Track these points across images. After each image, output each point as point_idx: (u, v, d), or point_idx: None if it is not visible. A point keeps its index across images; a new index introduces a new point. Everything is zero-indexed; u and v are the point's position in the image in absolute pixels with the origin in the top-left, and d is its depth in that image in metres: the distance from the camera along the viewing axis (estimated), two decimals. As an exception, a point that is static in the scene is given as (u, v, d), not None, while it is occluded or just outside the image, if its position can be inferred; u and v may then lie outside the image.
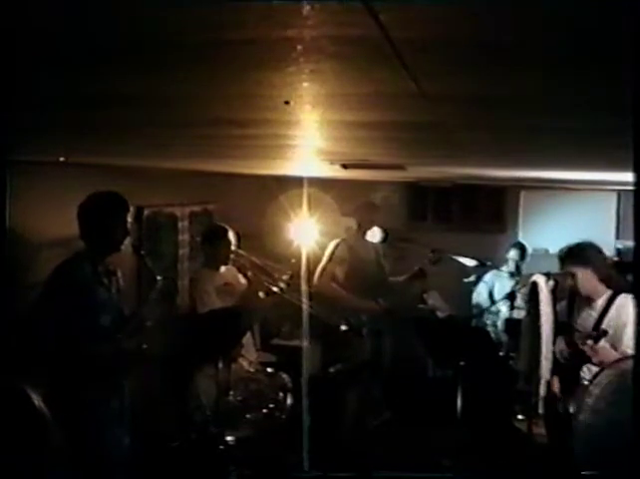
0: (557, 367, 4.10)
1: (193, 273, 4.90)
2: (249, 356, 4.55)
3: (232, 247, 4.53)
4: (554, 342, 4.54)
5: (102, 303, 3.27)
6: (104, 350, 3.20)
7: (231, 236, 4.53)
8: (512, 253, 6.60)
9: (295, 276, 4.84)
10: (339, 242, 5.10)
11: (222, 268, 4.58)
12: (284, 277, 4.59)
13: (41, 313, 3.19)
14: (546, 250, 7.78)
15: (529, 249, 6.88)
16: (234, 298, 4.44)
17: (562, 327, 4.16)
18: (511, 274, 6.44)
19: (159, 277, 3.57)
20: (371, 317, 5.05)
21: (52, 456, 1.23)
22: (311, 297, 4.87)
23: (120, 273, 3.49)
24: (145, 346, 3.35)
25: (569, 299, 4.23)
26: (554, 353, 4.33)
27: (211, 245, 4.57)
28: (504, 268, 6.56)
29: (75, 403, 3.06)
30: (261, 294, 4.51)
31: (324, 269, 5.00)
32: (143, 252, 3.69)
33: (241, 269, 4.65)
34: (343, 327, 4.78)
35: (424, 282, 5.75)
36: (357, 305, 4.99)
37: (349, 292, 4.98)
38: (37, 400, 1.23)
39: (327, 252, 5.09)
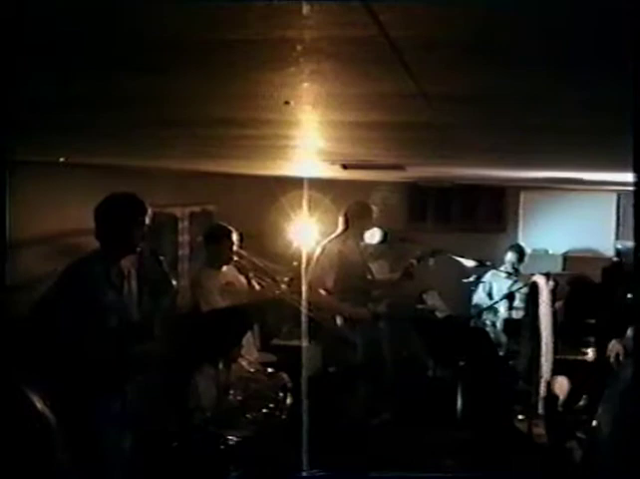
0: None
1: (196, 273, 4.89)
2: (250, 356, 4.55)
3: (235, 248, 4.52)
4: (555, 343, 4.54)
5: (111, 305, 3.22)
6: (110, 354, 3.17)
7: (234, 236, 4.53)
8: (510, 256, 6.60)
9: (295, 277, 4.82)
10: (325, 246, 5.02)
11: (224, 268, 4.57)
12: (285, 279, 4.58)
13: (48, 313, 3.17)
14: (546, 251, 7.79)
15: (529, 250, 6.88)
16: (236, 298, 4.44)
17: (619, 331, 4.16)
18: (510, 275, 6.44)
19: (174, 282, 3.52)
20: (363, 324, 5.01)
21: (53, 458, 1.23)
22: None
23: (133, 277, 3.44)
24: (152, 352, 3.33)
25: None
26: (554, 353, 4.33)
27: (214, 245, 4.57)
28: (503, 269, 6.56)
29: (79, 405, 3.05)
30: (262, 295, 4.51)
31: (312, 277, 4.89)
32: (162, 258, 3.62)
33: (242, 270, 4.64)
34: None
35: (414, 283, 5.70)
36: (347, 313, 4.96)
37: (338, 297, 4.93)
38: (39, 402, 1.23)
39: (314, 258, 5.00)
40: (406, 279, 5.27)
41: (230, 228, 4.56)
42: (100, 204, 3.28)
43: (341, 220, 5.05)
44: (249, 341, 4.61)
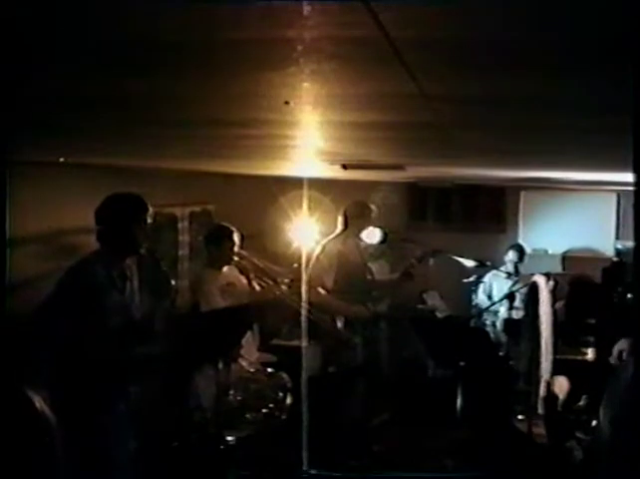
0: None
1: (197, 273, 4.88)
2: (250, 356, 4.55)
3: (235, 248, 4.52)
4: (555, 343, 4.54)
5: (114, 307, 3.21)
6: (112, 355, 3.16)
7: (235, 236, 4.53)
8: (511, 255, 6.61)
9: (295, 278, 4.83)
10: (324, 246, 5.03)
11: (225, 269, 4.57)
12: (286, 280, 4.58)
13: (50, 314, 3.16)
14: (546, 251, 7.79)
15: (529, 250, 6.88)
16: (236, 299, 4.44)
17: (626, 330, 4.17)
18: (510, 275, 6.44)
19: (173, 282, 3.51)
20: (363, 323, 5.01)
21: (54, 459, 1.23)
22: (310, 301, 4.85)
23: (135, 277, 3.43)
24: (153, 353, 3.33)
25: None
26: (554, 353, 4.33)
27: (215, 245, 4.57)
28: (503, 269, 6.57)
29: (81, 406, 3.05)
30: (262, 296, 4.51)
31: (311, 277, 4.89)
32: (158, 256, 3.61)
33: (243, 271, 4.64)
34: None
35: (414, 283, 5.70)
36: (347, 312, 4.96)
37: (337, 297, 4.93)
38: (39, 403, 1.23)
39: (314, 257, 5.00)
40: (405, 279, 5.27)
41: (232, 228, 4.56)
42: (101, 204, 3.26)
43: (340, 219, 5.06)
44: (249, 341, 4.61)
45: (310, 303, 4.72)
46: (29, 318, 3.27)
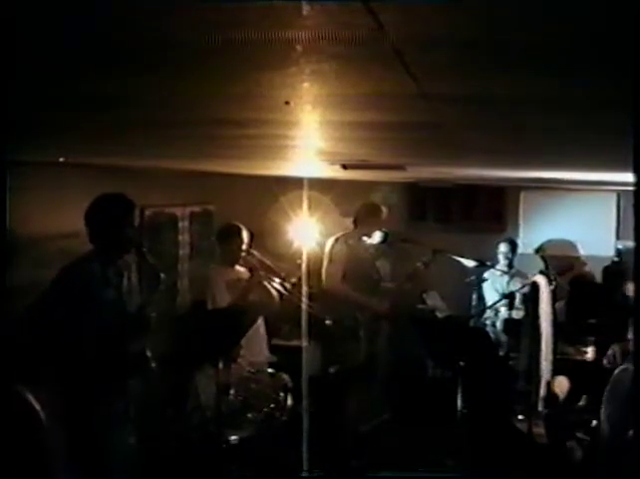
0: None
1: (204, 272, 4.88)
2: (260, 357, 4.56)
3: (244, 246, 4.55)
4: (555, 343, 4.54)
5: (109, 305, 3.23)
6: (108, 352, 3.17)
7: (244, 234, 4.55)
8: (502, 248, 6.60)
9: (300, 277, 4.85)
10: (335, 241, 5.10)
11: (235, 267, 4.59)
12: (292, 280, 4.59)
13: (45, 313, 3.17)
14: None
15: (529, 250, 6.87)
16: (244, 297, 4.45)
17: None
18: (505, 272, 6.44)
19: (162, 275, 3.53)
20: (370, 318, 5.04)
21: (51, 458, 1.23)
22: (311, 298, 4.86)
23: (133, 276, 3.45)
24: (149, 350, 3.33)
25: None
26: (554, 353, 4.33)
27: (226, 243, 4.59)
28: (499, 266, 6.56)
29: (78, 405, 3.05)
30: (265, 295, 4.51)
31: (328, 269, 4.99)
32: (144, 249, 3.63)
33: (252, 269, 4.65)
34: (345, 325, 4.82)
35: (417, 285, 5.73)
36: (367, 304, 5.01)
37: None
38: (35, 403, 1.23)
39: (326, 252, 5.08)
40: (409, 283, 5.34)
41: (241, 226, 4.58)
42: (89, 206, 3.29)
43: (351, 219, 5.17)
44: (259, 340, 4.62)
45: (328, 296, 4.78)
46: (24, 318, 3.28)
